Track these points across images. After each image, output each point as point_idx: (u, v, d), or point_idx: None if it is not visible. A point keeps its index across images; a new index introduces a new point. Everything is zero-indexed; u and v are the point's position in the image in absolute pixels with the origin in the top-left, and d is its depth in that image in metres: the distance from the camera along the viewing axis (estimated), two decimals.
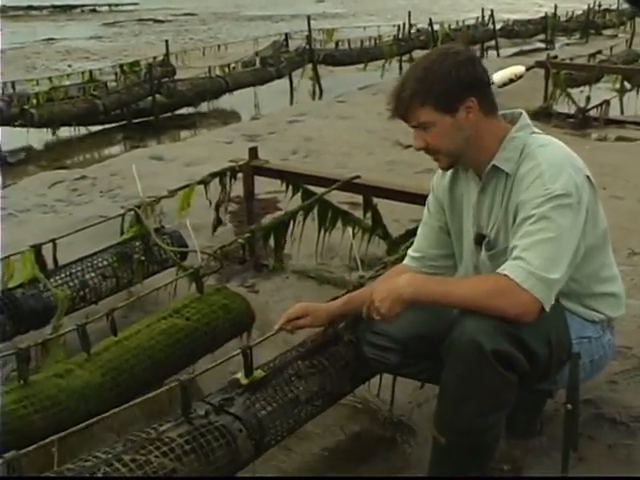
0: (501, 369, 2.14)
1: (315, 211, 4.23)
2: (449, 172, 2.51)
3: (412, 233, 3.70)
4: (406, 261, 2.68)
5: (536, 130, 2.40)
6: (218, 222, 4.64)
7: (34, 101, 9.26)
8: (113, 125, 10.41)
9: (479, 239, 2.42)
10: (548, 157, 2.25)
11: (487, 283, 2.19)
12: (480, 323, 2.14)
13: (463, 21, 17.44)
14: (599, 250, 2.39)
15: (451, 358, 2.20)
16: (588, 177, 2.30)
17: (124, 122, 10.40)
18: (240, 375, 2.43)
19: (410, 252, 2.68)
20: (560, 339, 2.27)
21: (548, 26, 18.95)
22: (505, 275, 2.13)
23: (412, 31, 15.69)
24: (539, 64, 9.44)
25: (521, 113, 2.41)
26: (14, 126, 9.23)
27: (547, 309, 2.15)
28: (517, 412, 2.65)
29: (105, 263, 3.73)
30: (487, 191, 2.39)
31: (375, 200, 4.19)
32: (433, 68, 2.28)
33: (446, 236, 2.61)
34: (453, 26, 17.01)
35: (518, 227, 2.21)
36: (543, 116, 8.86)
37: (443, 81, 2.26)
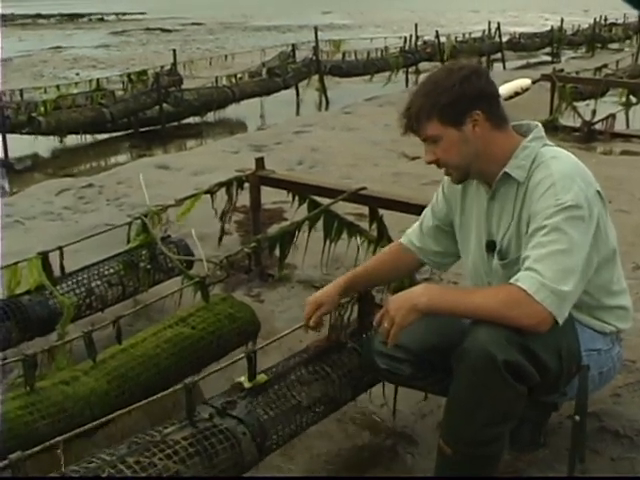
0: (512, 380, 2.14)
1: (321, 222, 4.24)
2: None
3: None
4: (406, 243, 2.73)
5: (549, 143, 2.41)
6: (222, 232, 4.65)
7: (42, 109, 9.31)
8: (120, 133, 10.47)
9: (490, 246, 2.44)
10: (560, 168, 2.26)
11: (501, 293, 2.19)
12: (492, 333, 2.14)
13: (470, 34, 17.50)
14: (610, 264, 2.40)
15: (461, 368, 2.20)
16: (599, 192, 2.31)
17: (131, 131, 10.46)
18: (243, 379, 2.45)
19: (412, 238, 2.72)
20: (570, 351, 2.27)
21: (554, 39, 19.03)
22: (518, 286, 2.14)
23: (418, 43, 15.74)
24: (545, 77, 9.46)
25: (537, 125, 2.43)
26: (21, 134, 9.28)
27: (560, 322, 2.15)
28: (522, 424, 2.66)
29: (111, 271, 3.75)
30: (497, 199, 2.41)
31: (381, 211, 4.20)
32: (438, 83, 2.33)
33: (443, 235, 2.66)
34: (460, 38, 17.07)
35: (530, 237, 2.22)
36: (549, 129, 8.80)
37: (448, 95, 2.29)
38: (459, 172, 2.41)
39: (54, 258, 3.56)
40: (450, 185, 2.60)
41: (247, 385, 2.43)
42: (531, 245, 2.20)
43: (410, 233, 2.74)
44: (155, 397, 2.26)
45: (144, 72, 11.87)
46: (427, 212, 2.71)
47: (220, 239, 4.67)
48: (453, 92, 2.28)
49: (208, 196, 4.38)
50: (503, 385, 2.14)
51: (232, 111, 11.81)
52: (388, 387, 2.90)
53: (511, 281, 2.17)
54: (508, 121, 2.39)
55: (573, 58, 18.66)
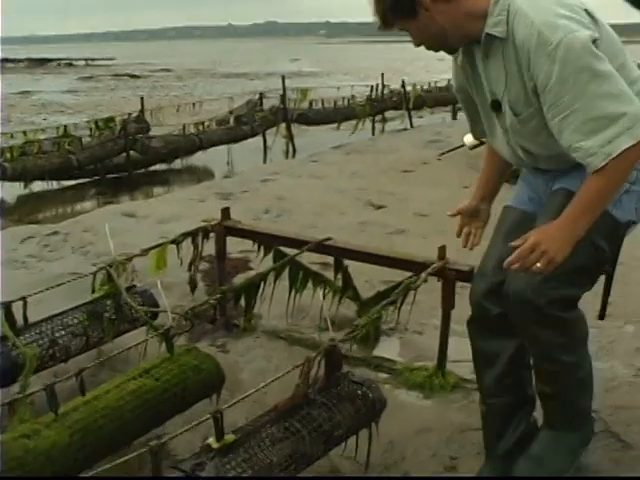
0: (562, 314, 2.38)
1: (286, 271, 4.25)
2: (460, 51, 2.56)
3: (382, 295, 3.76)
4: (481, 138, 2.83)
5: None
6: (193, 283, 4.62)
7: (8, 154, 9.30)
8: (87, 180, 10.46)
9: (495, 105, 2.49)
10: (538, 11, 2.25)
11: (604, 177, 2.20)
12: (525, 283, 2.35)
13: (435, 82, 17.74)
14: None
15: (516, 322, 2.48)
16: (586, 10, 2.28)
17: (98, 177, 10.44)
18: (211, 440, 2.42)
19: (475, 132, 2.81)
20: (601, 227, 2.34)
21: None
22: (603, 167, 2.17)
23: (385, 92, 15.95)
24: None
25: None
26: None
27: None
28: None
29: (75, 321, 3.72)
30: (490, 58, 2.43)
31: (346, 262, 4.23)
32: None
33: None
34: (425, 87, 17.31)
35: (549, 109, 2.24)
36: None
37: None
38: (442, 48, 2.51)
39: (18, 308, 3.53)
40: (455, 60, 2.63)
41: (215, 446, 2.40)
42: (557, 120, 2.23)
43: (471, 130, 2.84)
44: (120, 461, 2.23)
45: (111, 119, 11.88)
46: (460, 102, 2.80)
47: (192, 290, 4.63)
48: None
49: (174, 245, 4.38)
50: (556, 322, 2.39)
51: (199, 158, 11.86)
52: (361, 439, 2.88)
53: (588, 171, 2.22)
54: None
55: None
